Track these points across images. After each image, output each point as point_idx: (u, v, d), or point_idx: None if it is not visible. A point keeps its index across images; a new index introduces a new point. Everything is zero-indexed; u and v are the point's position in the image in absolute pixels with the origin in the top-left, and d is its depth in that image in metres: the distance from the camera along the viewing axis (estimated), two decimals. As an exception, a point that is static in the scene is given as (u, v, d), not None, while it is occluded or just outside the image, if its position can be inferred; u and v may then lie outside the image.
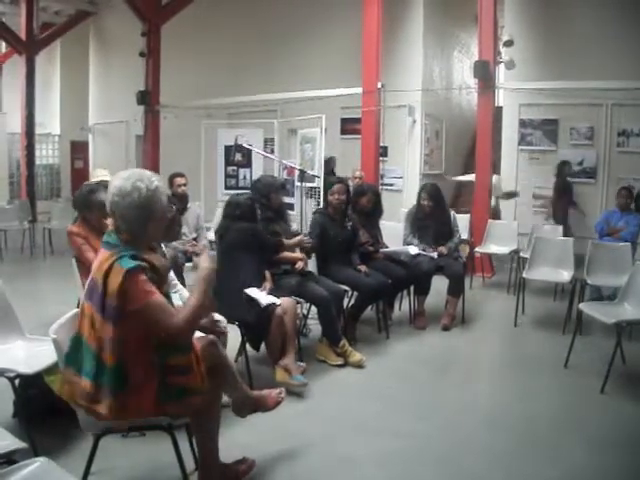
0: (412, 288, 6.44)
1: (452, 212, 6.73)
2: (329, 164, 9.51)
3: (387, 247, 6.47)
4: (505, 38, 10.02)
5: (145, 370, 2.68)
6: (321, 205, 5.76)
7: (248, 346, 4.67)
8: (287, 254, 5.27)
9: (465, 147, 14.02)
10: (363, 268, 5.74)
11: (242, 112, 11.97)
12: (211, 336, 3.05)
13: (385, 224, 6.82)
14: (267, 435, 3.76)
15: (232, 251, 4.66)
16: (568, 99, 9.75)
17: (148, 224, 2.73)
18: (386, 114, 9.94)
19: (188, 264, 4.61)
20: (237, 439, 3.61)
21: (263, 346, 4.65)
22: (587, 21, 9.70)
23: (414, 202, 6.77)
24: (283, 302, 4.58)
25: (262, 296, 4.51)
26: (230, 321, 4.27)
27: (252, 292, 4.54)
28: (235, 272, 4.59)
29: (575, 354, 5.17)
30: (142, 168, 2.93)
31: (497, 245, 8.58)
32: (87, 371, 2.68)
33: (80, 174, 17.12)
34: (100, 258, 2.72)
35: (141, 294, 2.60)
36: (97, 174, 7.21)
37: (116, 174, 2.81)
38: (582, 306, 5.17)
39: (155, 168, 12.58)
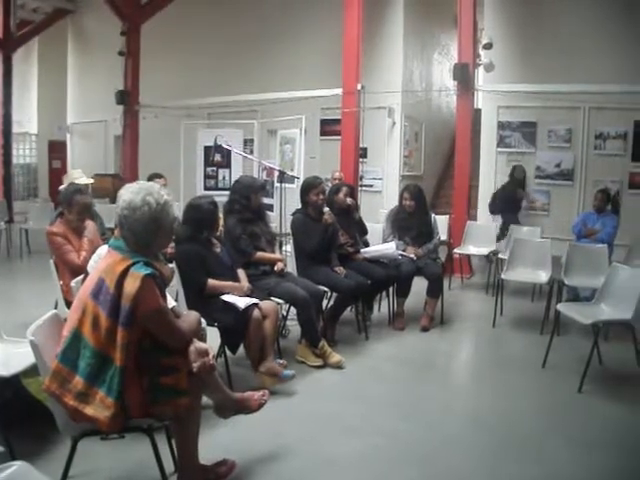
0: (392, 289, 6.47)
1: (432, 214, 6.76)
2: (517, 173, 9.60)
3: (368, 244, 6.49)
4: (485, 41, 10.09)
5: (135, 372, 2.70)
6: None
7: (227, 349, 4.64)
8: (265, 255, 5.27)
9: (444, 149, 14.11)
10: (340, 269, 5.74)
11: (222, 112, 11.94)
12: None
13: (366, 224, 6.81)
14: (248, 436, 3.74)
15: (179, 267, 4.63)
16: (546, 102, 9.84)
17: (156, 236, 2.80)
18: (366, 115, 9.94)
19: (170, 265, 4.59)
20: (218, 440, 3.60)
21: (241, 348, 4.63)
22: (566, 25, 9.79)
23: (393, 203, 6.79)
24: (265, 306, 4.56)
25: (239, 300, 4.48)
26: (209, 323, 4.26)
27: (227, 298, 4.51)
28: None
29: (553, 354, 5.22)
30: (121, 168, 2.96)
31: (476, 246, 8.64)
32: (82, 369, 2.69)
33: (58, 174, 16.88)
34: (110, 260, 2.77)
35: (155, 299, 2.70)
36: (71, 176, 7.12)
37: (125, 187, 2.86)
38: (560, 307, 5.21)
39: (134, 168, 12.53)
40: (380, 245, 6.46)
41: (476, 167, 10.44)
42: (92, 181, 7.32)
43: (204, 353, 2.88)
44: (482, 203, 10.59)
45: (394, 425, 4.03)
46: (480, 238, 8.65)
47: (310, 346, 5.12)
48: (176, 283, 4.60)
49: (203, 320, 3.91)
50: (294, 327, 5.65)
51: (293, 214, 5.91)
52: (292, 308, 5.45)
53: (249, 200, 5.28)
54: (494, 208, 9.79)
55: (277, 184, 8.02)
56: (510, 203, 9.56)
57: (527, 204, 9.99)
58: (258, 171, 9.34)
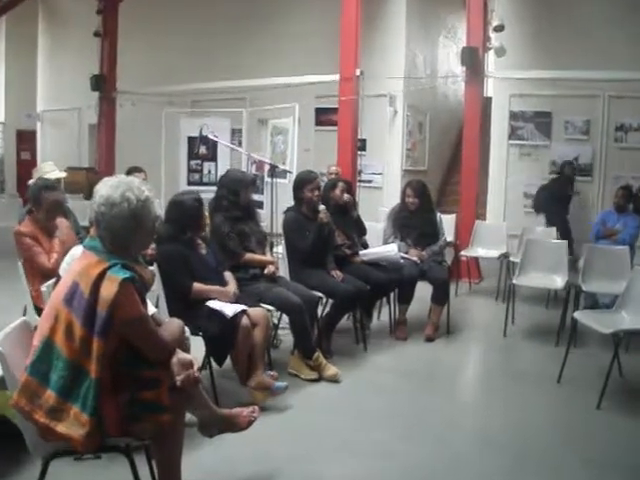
0: (393, 295, 6.48)
1: (438, 213, 6.78)
2: (567, 170, 9.57)
3: (367, 246, 6.51)
4: (495, 23, 10.10)
5: (113, 385, 2.69)
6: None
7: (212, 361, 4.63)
8: (255, 256, 5.28)
9: (451, 141, 14.13)
10: (337, 273, 5.75)
11: (207, 100, 11.90)
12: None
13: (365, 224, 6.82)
14: (236, 456, 3.74)
15: (160, 270, 4.62)
16: (563, 90, 9.87)
17: (136, 236, 2.79)
18: (365, 104, 9.96)
19: (151, 268, 4.58)
20: (203, 461, 3.60)
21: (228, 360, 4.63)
22: (585, 5, 9.81)
23: (395, 201, 6.80)
24: (254, 313, 4.56)
25: (226, 306, 4.48)
26: (193, 332, 4.26)
27: (213, 304, 4.51)
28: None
29: (569, 367, 5.23)
30: (96, 161, 2.97)
31: (485, 248, 8.66)
32: (54, 382, 2.67)
33: (27, 167, 16.79)
34: (85, 262, 2.75)
35: (135, 305, 2.69)
36: (42, 169, 6.98)
37: (103, 181, 2.84)
38: (577, 315, 5.21)
39: (110, 161, 12.51)
40: (380, 247, 6.47)
41: (486, 161, 10.46)
42: (65, 175, 7.24)
43: (188, 365, 2.87)
44: (492, 201, 10.62)
45: (395, 444, 4.03)
46: (490, 239, 8.67)
47: (304, 357, 5.12)
48: (157, 287, 4.59)
49: (187, 329, 3.90)
50: (286, 337, 5.66)
51: (285, 212, 5.91)
52: (284, 316, 5.46)
53: (238, 196, 5.29)
54: (538, 206, 9.68)
55: (268, 179, 8.01)
56: (556, 202, 9.47)
57: (577, 203, 9.93)
58: (247, 165, 9.32)
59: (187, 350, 3.25)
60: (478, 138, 9.45)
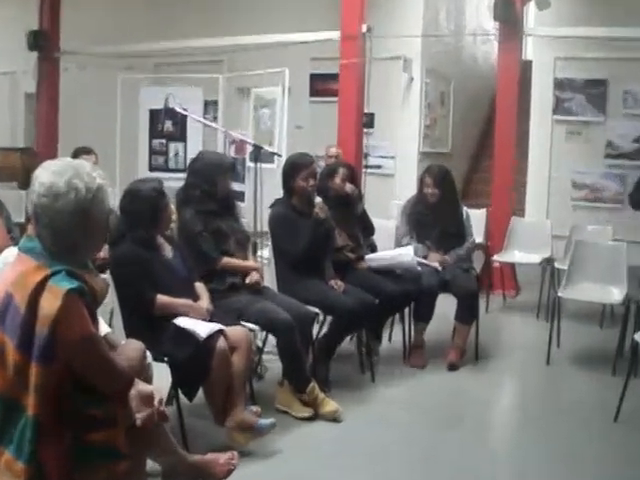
0: (408, 312, 6.50)
1: (464, 207, 6.80)
2: None
3: (375, 248, 6.52)
4: (537, -33, 10.12)
5: (55, 425, 2.67)
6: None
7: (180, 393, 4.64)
8: (235, 262, 5.30)
9: (480, 117, 14.15)
10: (338, 283, 5.76)
11: (174, 63, 11.91)
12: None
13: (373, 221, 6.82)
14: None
15: (114, 279, 4.62)
16: (622, 52, 9.86)
17: (85, 235, 2.76)
18: (373, 69, 9.95)
19: (103, 276, 4.56)
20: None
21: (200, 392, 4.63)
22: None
23: (410, 192, 6.81)
24: (233, 333, 4.56)
25: (198, 325, 4.47)
26: (156, 357, 4.26)
27: (181, 322, 4.51)
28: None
29: (629, 401, 5.23)
30: (35, 137, 2.96)
31: (523, 252, 8.67)
32: None
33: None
34: (21, 268, 2.72)
35: (83, 323, 2.66)
36: None
37: (43, 165, 2.80)
38: (638, 337, 5.22)
39: (52, 140, 12.45)
40: (392, 250, 6.49)
41: (524, 142, 10.47)
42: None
43: (150, 399, 2.88)
44: (532, 192, 10.63)
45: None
46: (529, 240, 8.69)
47: (295, 390, 5.12)
48: (111, 301, 4.60)
49: (148, 353, 3.91)
50: (273, 363, 5.66)
51: (272, 206, 5.91)
52: (270, 337, 5.47)
53: (214, 185, 5.30)
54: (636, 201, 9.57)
55: (250, 164, 8.02)
56: None
57: None
58: (224, 145, 9.34)
59: (149, 380, 3.27)
60: (515, 113, 9.45)
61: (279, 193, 5.95)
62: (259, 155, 6.61)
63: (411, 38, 11.09)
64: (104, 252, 4.78)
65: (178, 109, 8.09)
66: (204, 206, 5.24)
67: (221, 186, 5.35)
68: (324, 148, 9.10)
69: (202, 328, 4.43)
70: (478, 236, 8.13)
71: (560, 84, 10.53)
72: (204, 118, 9.51)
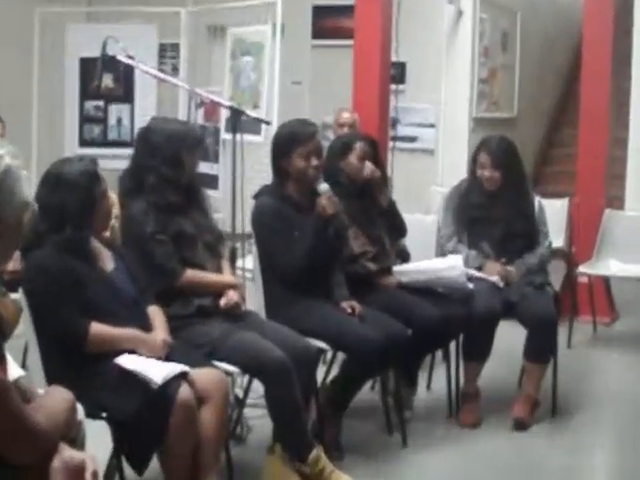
0: (455, 347, 6.52)
1: (537, 197, 6.80)
2: None
3: (407, 257, 6.54)
4: None
5: None
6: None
7: (126, 463, 4.66)
8: (204, 275, 5.33)
9: (558, 69, 14.16)
10: (353, 306, 5.77)
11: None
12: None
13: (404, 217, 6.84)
14: None
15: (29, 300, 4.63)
16: None
17: None
18: (404, 1, 10.00)
19: (14, 296, 4.58)
20: None
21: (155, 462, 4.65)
22: None
23: (458, 175, 6.81)
24: (202, 379, 4.56)
25: (151, 366, 4.48)
26: (90, 412, 4.26)
27: (127, 361, 4.50)
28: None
29: None
30: None
31: (622, 261, 8.68)
32: None
33: None
34: None
35: None
36: None
37: None
38: None
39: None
40: (433, 260, 6.51)
41: (623, 105, 10.46)
42: None
43: (80, 473, 2.89)
44: (633, 176, 10.62)
45: None
46: (631, 244, 8.71)
47: (292, 459, 5.12)
48: (25, 331, 4.61)
49: (79, 406, 3.92)
50: (259, 420, 5.70)
51: (257, 196, 5.93)
52: (255, 383, 5.48)
53: (179, 166, 5.31)
54: None
55: (226, 135, 8.03)
56: None
57: None
58: (188, 109, 9.36)
59: (80, 445, 3.28)
60: (609, 63, 9.46)
61: (268, 178, 5.96)
62: (239, 123, 6.63)
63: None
64: (15, 262, 4.79)
65: (122, 58, 8.10)
66: (162, 197, 5.23)
67: (189, 165, 5.38)
68: (333, 112, 9.13)
69: (156, 371, 4.41)
70: (557, 238, 8.15)
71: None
72: (159, 70, 9.54)
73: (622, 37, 10.08)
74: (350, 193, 6.12)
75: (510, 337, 6.50)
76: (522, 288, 6.42)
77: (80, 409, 3.79)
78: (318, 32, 11.77)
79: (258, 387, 5.41)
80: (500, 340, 6.41)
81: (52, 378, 4.30)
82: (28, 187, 2.91)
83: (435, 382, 6.86)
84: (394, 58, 10.01)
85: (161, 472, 4.58)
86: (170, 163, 5.27)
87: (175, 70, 10.27)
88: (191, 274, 5.23)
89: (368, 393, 6.23)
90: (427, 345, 6.31)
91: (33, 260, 4.63)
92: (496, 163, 6.55)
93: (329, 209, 5.66)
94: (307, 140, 5.76)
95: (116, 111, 10.06)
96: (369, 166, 6.31)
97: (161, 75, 8.69)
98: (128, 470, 4.53)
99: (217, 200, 7.03)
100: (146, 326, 4.76)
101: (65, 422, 3.02)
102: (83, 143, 9.88)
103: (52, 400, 3.09)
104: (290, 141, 5.80)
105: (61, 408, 3.05)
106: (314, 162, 5.75)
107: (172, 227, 5.24)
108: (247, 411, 5.88)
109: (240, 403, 5.82)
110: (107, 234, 4.96)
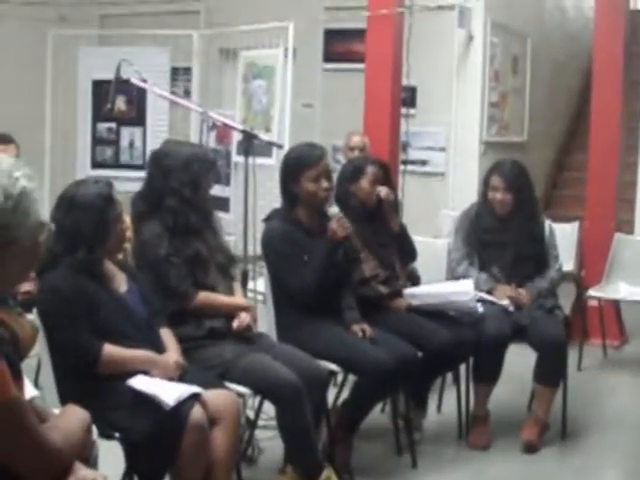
0: (465, 370, 6.52)
1: (547, 220, 6.83)
2: None
3: (418, 280, 6.56)
4: None
5: None
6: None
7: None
8: (217, 298, 5.34)
9: (570, 91, 14.17)
10: (364, 329, 5.78)
11: (128, 15, 12.00)
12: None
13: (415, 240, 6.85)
14: None
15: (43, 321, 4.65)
16: None
17: (3, 262, 2.77)
18: (416, 24, 10.02)
19: (30, 317, 4.60)
20: None
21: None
22: None
23: (469, 198, 6.82)
24: (214, 400, 4.56)
25: (163, 388, 4.48)
26: (103, 432, 4.29)
27: (139, 383, 4.52)
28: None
29: None
30: None
31: (632, 285, 8.68)
32: None
33: None
34: None
35: (3, 382, 2.64)
36: None
37: None
38: None
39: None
40: (443, 283, 6.52)
41: (634, 128, 10.47)
42: None
43: None
44: None
45: None
46: (641, 268, 8.71)
47: (303, 479, 5.15)
48: (40, 351, 4.63)
49: (93, 426, 3.95)
50: (271, 442, 5.70)
51: (268, 220, 5.94)
52: (267, 404, 5.49)
53: (197, 190, 5.34)
54: None
55: (238, 158, 8.04)
56: None
57: None
58: (200, 132, 9.38)
59: (93, 465, 3.30)
60: (620, 86, 9.48)
61: (280, 200, 5.97)
62: (251, 146, 6.66)
63: (470, -22, 11.21)
64: (30, 284, 4.81)
65: (134, 80, 8.14)
66: (180, 220, 5.26)
67: (205, 190, 5.41)
68: (344, 136, 9.14)
69: (169, 392, 4.41)
70: (567, 262, 8.14)
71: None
72: (171, 93, 9.56)
73: (633, 60, 10.11)
74: (361, 217, 6.14)
75: (520, 360, 6.51)
76: (532, 311, 6.43)
77: (94, 429, 3.83)
78: (329, 56, 11.82)
79: (269, 409, 5.45)
80: (510, 363, 6.43)
81: (65, 398, 4.31)
82: (42, 209, 2.94)
83: (445, 404, 6.86)
84: (405, 82, 10.02)
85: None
86: (190, 186, 5.30)
87: (187, 93, 10.33)
88: (204, 296, 5.25)
89: (378, 415, 6.23)
90: (437, 367, 6.32)
91: (47, 281, 4.64)
92: (508, 186, 6.56)
93: (340, 232, 5.69)
94: (315, 163, 5.78)
95: (128, 133, 10.08)
96: (384, 189, 6.34)
97: (174, 98, 8.72)
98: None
99: (229, 222, 7.03)
100: (159, 348, 4.77)
101: (80, 441, 3.04)
102: (95, 165, 9.91)
103: (68, 420, 3.11)
104: (298, 165, 5.82)
105: (77, 428, 3.07)
106: (324, 184, 5.78)
107: (188, 249, 5.25)
108: (258, 432, 5.90)
109: (251, 424, 5.84)
110: (120, 256, 4.96)
